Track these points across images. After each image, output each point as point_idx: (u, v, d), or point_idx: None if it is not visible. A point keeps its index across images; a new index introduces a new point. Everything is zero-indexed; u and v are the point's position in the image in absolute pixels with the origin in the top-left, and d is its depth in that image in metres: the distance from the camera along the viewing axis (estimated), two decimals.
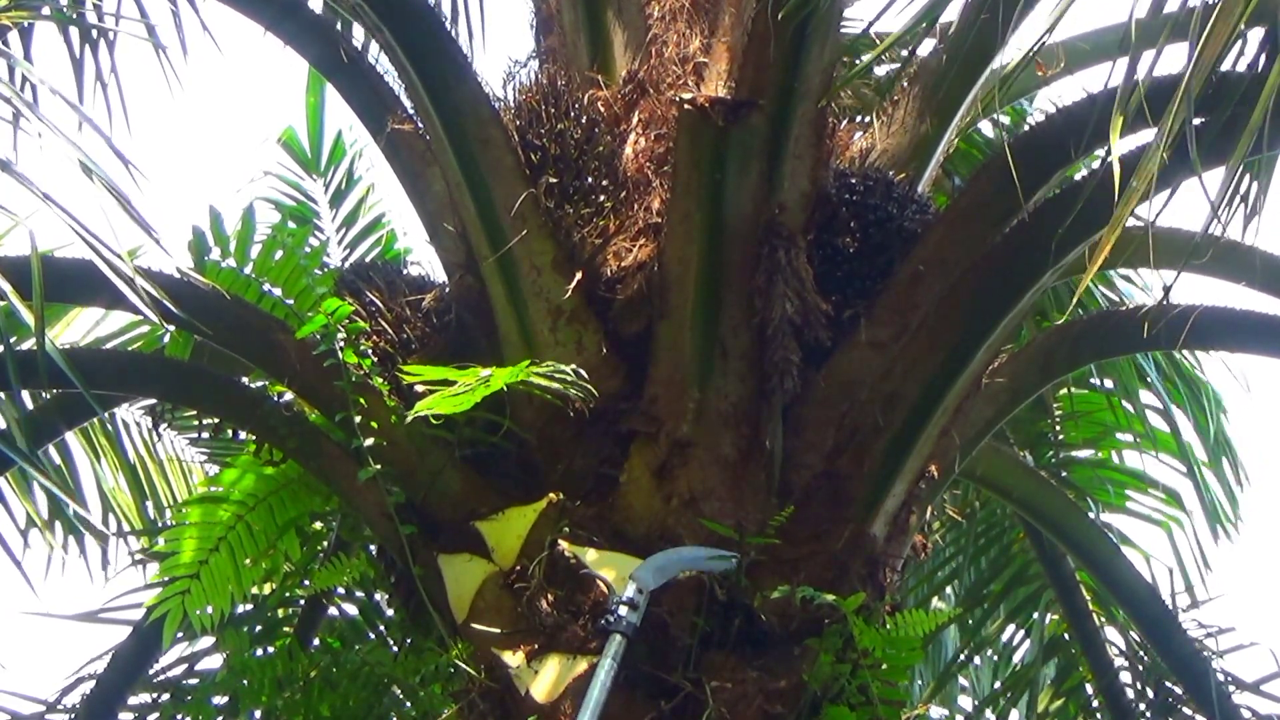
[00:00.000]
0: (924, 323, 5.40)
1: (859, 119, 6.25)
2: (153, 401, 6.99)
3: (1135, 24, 3.98)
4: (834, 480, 5.36)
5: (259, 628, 6.44)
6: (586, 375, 5.19)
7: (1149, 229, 4.37)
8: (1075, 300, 5.71)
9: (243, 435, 6.16)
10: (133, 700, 6.76)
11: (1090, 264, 4.03)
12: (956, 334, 5.38)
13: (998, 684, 8.07)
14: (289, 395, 5.65)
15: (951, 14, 5.57)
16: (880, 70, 6.84)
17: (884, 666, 5.11)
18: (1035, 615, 7.71)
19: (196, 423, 7.03)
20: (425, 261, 7.44)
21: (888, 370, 5.38)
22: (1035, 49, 4.49)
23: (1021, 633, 7.94)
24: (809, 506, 5.31)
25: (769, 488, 5.34)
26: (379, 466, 5.29)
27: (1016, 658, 8.06)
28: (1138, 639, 7.20)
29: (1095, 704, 7.53)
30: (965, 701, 8.57)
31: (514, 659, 5.15)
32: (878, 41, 5.63)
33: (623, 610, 4.90)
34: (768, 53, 5.17)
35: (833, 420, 5.43)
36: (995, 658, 8.25)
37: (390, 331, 5.66)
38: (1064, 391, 7.56)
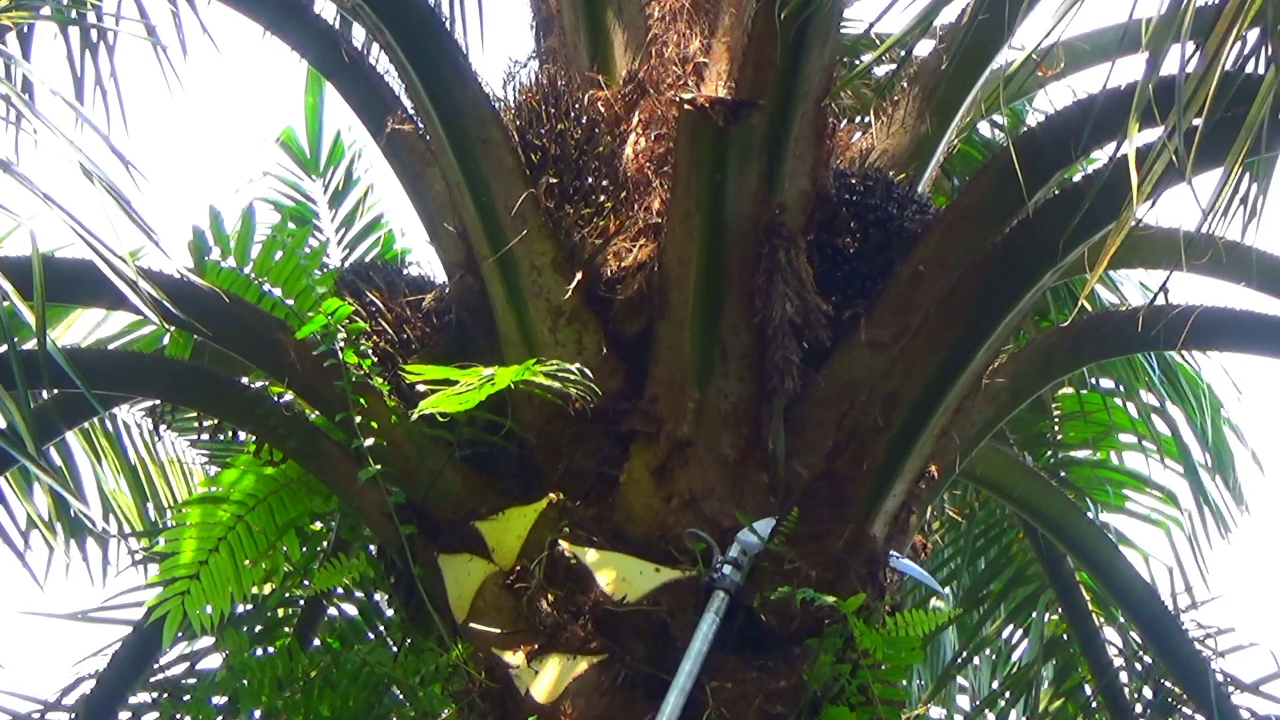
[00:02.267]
0: (924, 322, 5.39)
1: (859, 119, 6.25)
2: (153, 403, 7.00)
3: (1145, 24, 3.98)
4: (834, 480, 5.35)
5: (259, 628, 6.44)
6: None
7: (1146, 230, 4.37)
8: (1079, 304, 5.70)
9: (243, 436, 6.16)
10: (133, 700, 6.75)
11: (1096, 265, 4.03)
12: (957, 334, 5.37)
13: (997, 684, 8.07)
14: (289, 395, 5.65)
15: (952, 14, 5.57)
16: (880, 70, 6.84)
17: (884, 667, 5.12)
18: (1034, 615, 7.71)
19: (197, 424, 7.03)
20: (425, 262, 7.47)
21: (888, 370, 5.37)
22: (1034, 50, 4.49)
23: (1021, 633, 7.94)
24: (809, 506, 5.30)
25: (769, 488, 5.34)
26: (379, 466, 5.29)
27: (1015, 657, 8.06)
28: (1137, 639, 7.21)
29: (1094, 704, 7.53)
30: (965, 701, 8.57)
31: (514, 659, 5.15)
32: (878, 42, 5.64)
33: (727, 569, 5.05)
34: (768, 53, 5.17)
35: (833, 420, 5.42)
36: (995, 658, 8.25)
37: (390, 332, 5.65)
38: (1064, 391, 7.56)
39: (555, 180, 5.48)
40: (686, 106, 5.15)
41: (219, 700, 6.19)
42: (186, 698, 6.46)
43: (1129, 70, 5.05)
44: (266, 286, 5.89)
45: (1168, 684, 7.11)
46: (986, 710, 8.06)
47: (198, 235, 5.87)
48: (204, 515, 5.63)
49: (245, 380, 6.14)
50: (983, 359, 5.51)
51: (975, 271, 5.39)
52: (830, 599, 4.98)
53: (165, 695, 6.67)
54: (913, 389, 5.34)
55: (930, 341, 5.37)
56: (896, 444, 5.36)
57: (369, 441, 5.29)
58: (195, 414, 6.83)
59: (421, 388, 5.13)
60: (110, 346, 7.21)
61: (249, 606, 6.27)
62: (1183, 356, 7.51)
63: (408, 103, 5.83)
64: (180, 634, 6.07)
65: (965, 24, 5.73)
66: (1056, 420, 7.67)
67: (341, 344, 5.32)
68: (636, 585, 5.15)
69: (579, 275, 5.44)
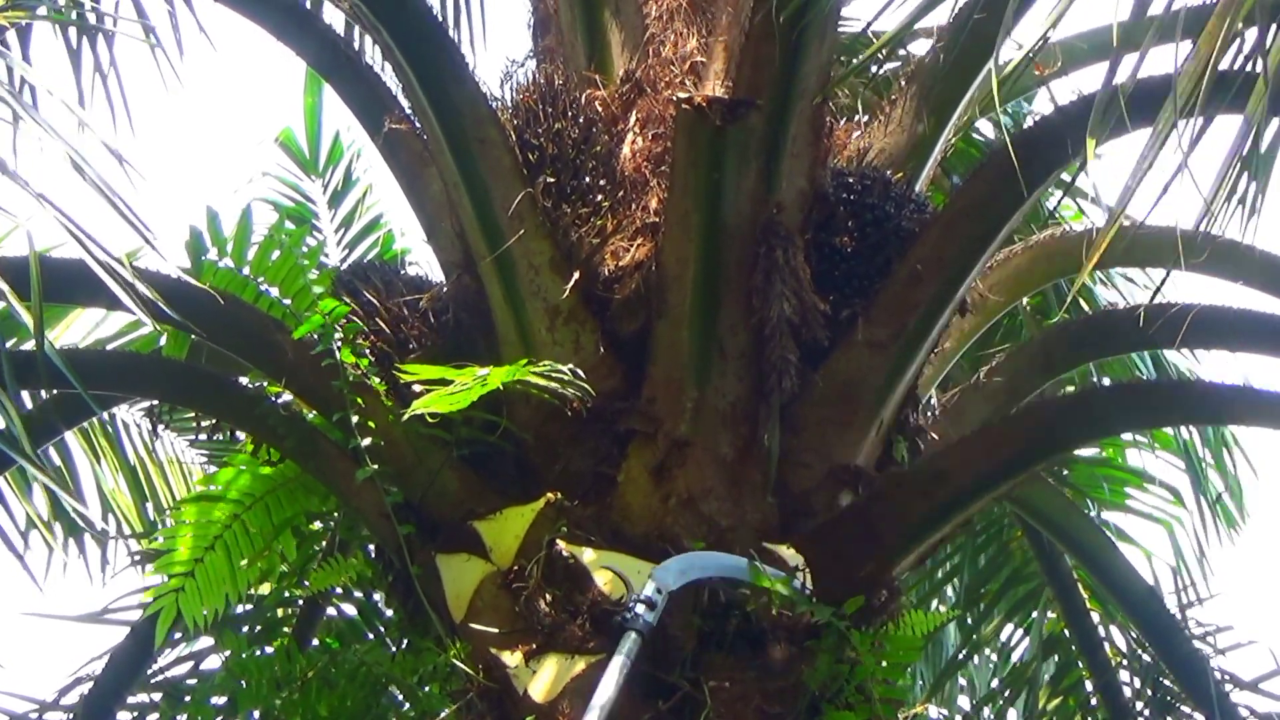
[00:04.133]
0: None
1: (856, 118, 6.24)
2: (152, 403, 6.99)
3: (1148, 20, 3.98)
4: (867, 520, 5.34)
5: (257, 628, 6.44)
6: (584, 375, 5.19)
7: (1143, 227, 4.36)
8: (1068, 297, 5.69)
9: (241, 435, 6.16)
10: (132, 700, 6.75)
11: (1085, 262, 4.03)
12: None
13: (996, 682, 8.07)
14: (287, 395, 5.64)
15: (949, 12, 5.57)
16: (878, 69, 6.83)
17: (882, 664, 5.11)
18: (1034, 613, 7.71)
19: (196, 424, 7.03)
20: (423, 261, 7.45)
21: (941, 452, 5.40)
22: (1033, 48, 4.48)
23: (1020, 631, 7.94)
24: (835, 539, 5.29)
25: (767, 487, 5.34)
26: (377, 466, 5.29)
27: (1015, 656, 8.06)
28: (1136, 637, 7.20)
29: (1094, 702, 7.53)
30: (964, 700, 8.57)
31: (512, 659, 5.14)
32: (876, 41, 5.64)
33: (640, 608, 4.88)
34: (765, 52, 5.17)
35: (832, 419, 5.42)
36: (994, 656, 8.25)
37: (388, 331, 5.65)
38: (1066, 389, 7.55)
39: (553, 180, 5.47)
40: (684, 106, 5.15)
41: (217, 700, 6.19)
42: (185, 698, 6.45)
43: (1127, 69, 5.04)
44: (264, 286, 5.88)
45: (1167, 682, 7.10)
46: (986, 708, 8.06)
47: (195, 235, 5.86)
48: (200, 513, 5.62)
49: (243, 380, 6.14)
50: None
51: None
52: (829, 611, 4.98)
53: (164, 696, 6.67)
54: (963, 476, 5.34)
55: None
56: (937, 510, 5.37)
57: (366, 441, 5.29)
58: (194, 414, 6.82)
59: (417, 387, 5.13)
60: (109, 346, 7.22)
61: (248, 606, 6.27)
62: (1182, 355, 7.51)
63: (405, 102, 5.83)
64: (180, 634, 6.07)
65: (962, 22, 5.73)
66: None
67: (339, 344, 5.32)
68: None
69: (576, 275, 5.43)
